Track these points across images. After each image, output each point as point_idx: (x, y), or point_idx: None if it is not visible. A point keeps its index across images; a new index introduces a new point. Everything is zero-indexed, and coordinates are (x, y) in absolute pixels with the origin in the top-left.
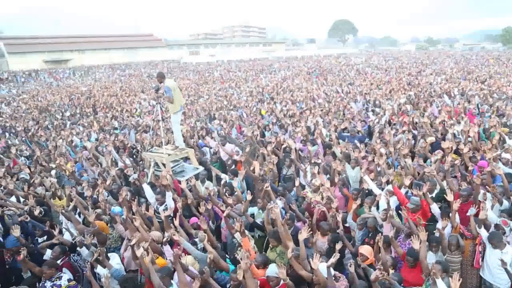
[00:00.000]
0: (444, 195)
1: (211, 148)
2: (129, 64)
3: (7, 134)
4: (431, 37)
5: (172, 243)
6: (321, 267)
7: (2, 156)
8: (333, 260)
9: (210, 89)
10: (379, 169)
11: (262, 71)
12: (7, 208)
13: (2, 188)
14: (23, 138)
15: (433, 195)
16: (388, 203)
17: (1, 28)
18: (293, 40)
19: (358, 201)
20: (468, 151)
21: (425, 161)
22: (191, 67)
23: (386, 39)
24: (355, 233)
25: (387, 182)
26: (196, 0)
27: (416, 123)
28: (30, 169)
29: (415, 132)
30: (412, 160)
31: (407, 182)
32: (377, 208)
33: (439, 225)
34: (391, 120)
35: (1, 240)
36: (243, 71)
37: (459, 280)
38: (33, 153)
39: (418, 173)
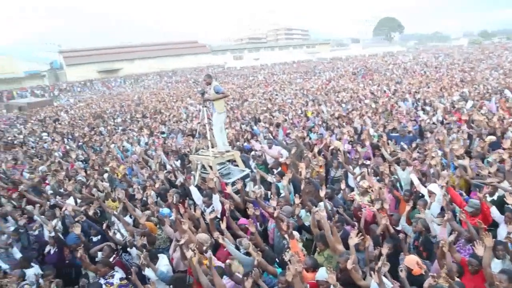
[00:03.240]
0: (504, 198)
1: (256, 151)
2: (176, 70)
3: (65, 140)
4: (486, 30)
5: (217, 246)
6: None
7: (61, 160)
8: (381, 265)
9: (255, 92)
10: (432, 170)
11: (307, 73)
12: (65, 209)
13: (62, 190)
14: (80, 143)
15: (495, 197)
16: (447, 205)
17: (59, 42)
18: (337, 40)
19: (411, 204)
20: None
21: (483, 162)
22: (235, 72)
23: (436, 35)
24: (409, 237)
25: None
26: (239, 6)
27: (473, 121)
28: (86, 172)
29: (471, 131)
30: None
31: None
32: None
33: (502, 229)
34: (444, 119)
35: (62, 238)
36: (287, 74)
37: None
38: (89, 157)
39: (477, 175)
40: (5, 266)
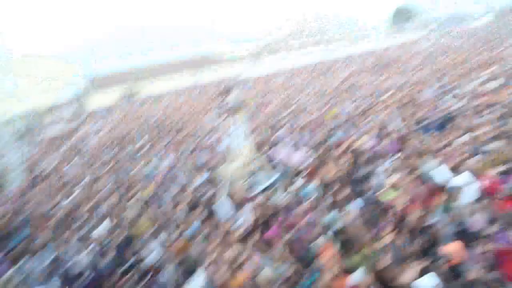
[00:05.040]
0: None
1: (281, 157)
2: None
3: None
4: None
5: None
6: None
7: None
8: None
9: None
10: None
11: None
12: None
13: None
14: None
15: None
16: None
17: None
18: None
19: (444, 195)
20: None
21: None
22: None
23: (455, 17)
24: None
25: None
26: None
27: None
28: None
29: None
30: None
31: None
32: None
33: None
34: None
35: None
36: (302, 79)
37: None
38: None
39: None
40: None
